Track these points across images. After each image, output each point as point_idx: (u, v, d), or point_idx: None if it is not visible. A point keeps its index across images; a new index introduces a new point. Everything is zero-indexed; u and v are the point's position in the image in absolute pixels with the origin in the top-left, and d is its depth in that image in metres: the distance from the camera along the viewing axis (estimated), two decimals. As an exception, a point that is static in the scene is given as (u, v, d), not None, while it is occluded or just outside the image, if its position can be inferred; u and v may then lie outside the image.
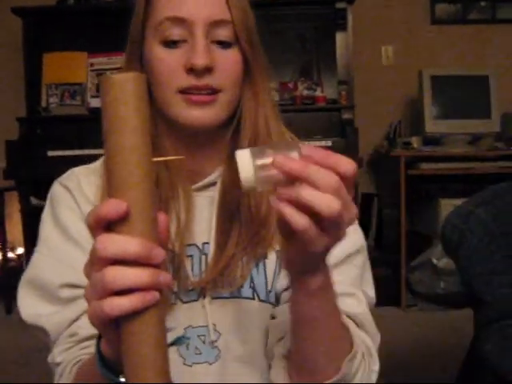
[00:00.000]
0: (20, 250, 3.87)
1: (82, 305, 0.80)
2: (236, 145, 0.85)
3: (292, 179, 0.54)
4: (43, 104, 3.53)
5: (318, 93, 3.52)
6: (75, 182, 0.89)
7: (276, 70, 3.44)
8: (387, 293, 3.36)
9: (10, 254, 3.82)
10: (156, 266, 0.52)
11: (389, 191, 3.69)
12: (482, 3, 4.05)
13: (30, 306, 0.86)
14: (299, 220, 0.54)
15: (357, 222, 0.88)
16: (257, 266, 0.85)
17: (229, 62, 0.82)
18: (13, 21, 3.60)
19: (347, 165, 0.56)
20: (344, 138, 3.29)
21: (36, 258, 0.88)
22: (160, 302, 0.53)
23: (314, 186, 0.54)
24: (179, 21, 0.79)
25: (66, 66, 3.55)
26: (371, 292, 0.89)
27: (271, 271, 0.86)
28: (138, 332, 0.53)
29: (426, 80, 3.56)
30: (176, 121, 0.82)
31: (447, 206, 3.20)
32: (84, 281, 0.78)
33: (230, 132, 0.87)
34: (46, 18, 3.60)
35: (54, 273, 0.84)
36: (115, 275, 0.51)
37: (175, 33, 0.80)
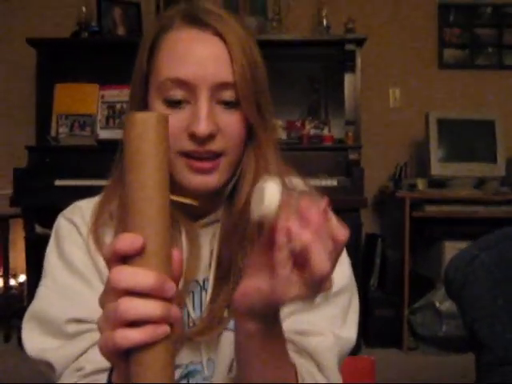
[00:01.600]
0: (22, 278, 3.86)
1: (88, 339, 0.80)
2: (232, 202, 0.85)
3: (304, 224, 0.55)
4: (53, 133, 3.57)
5: (326, 132, 3.55)
6: (80, 215, 0.89)
7: (284, 109, 3.47)
8: (389, 334, 3.33)
9: (12, 282, 3.81)
10: (168, 300, 0.53)
11: (393, 232, 3.68)
12: (490, 49, 4.10)
13: (35, 340, 0.85)
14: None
15: (346, 261, 0.89)
16: None
17: (232, 124, 0.80)
18: (27, 51, 3.67)
19: (344, 234, 0.57)
20: (349, 178, 3.30)
21: (41, 291, 0.87)
22: (170, 335, 0.54)
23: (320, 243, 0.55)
24: (182, 83, 0.78)
25: (77, 97, 3.60)
26: (350, 333, 0.85)
27: None
28: (147, 364, 0.53)
29: (432, 123, 3.59)
30: (179, 184, 0.81)
31: (451, 248, 3.19)
32: (89, 315, 0.80)
33: (228, 189, 0.86)
34: (59, 49, 3.67)
35: (60, 308, 0.83)
36: (128, 306, 0.52)
37: (178, 93, 0.79)
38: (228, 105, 0.80)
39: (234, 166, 0.84)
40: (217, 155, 0.80)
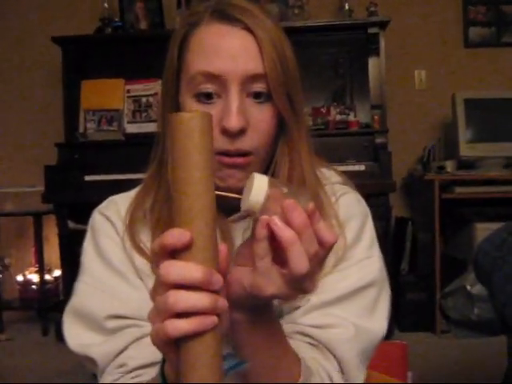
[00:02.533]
0: (57, 273, 3.94)
1: (128, 335, 0.82)
2: None
3: (286, 223, 0.58)
4: (81, 130, 3.61)
5: (351, 117, 3.53)
6: (115, 210, 0.90)
7: (309, 95, 3.46)
8: (422, 318, 3.32)
9: (47, 277, 3.89)
10: (215, 292, 0.56)
11: (423, 215, 3.66)
12: (517, 26, 4.03)
13: (76, 336, 0.86)
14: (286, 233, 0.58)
15: (376, 254, 0.89)
16: None
17: (263, 120, 0.80)
18: (53, 49, 3.72)
19: (330, 237, 0.59)
20: (377, 163, 3.28)
21: (80, 287, 0.88)
22: (218, 326, 0.56)
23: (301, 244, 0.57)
24: (213, 76, 0.78)
25: (103, 93, 3.64)
26: (377, 325, 0.84)
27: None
28: (196, 353, 0.56)
29: (459, 103, 3.54)
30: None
31: (482, 230, 3.15)
32: (128, 311, 0.82)
33: None
34: (84, 46, 3.71)
35: (99, 304, 0.85)
36: (177, 298, 0.54)
37: (208, 87, 0.79)
38: (259, 97, 0.80)
39: (264, 163, 0.84)
40: (246, 153, 0.80)
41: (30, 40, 4.14)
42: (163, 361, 0.64)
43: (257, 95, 0.80)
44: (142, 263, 0.86)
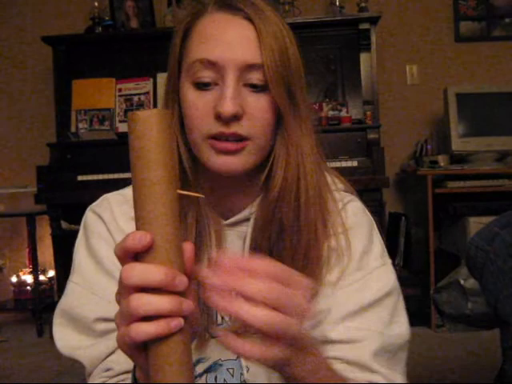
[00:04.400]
0: (51, 273, 3.93)
1: None
2: (268, 188, 0.83)
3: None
4: (73, 129, 3.61)
5: (344, 113, 3.54)
6: (108, 211, 0.89)
7: (301, 92, 3.45)
8: (416, 313, 3.33)
9: (41, 277, 3.88)
10: (182, 294, 0.55)
11: (416, 210, 3.67)
12: (507, 20, 4.03)
13: (65, 337, 0.86)
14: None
15: (389, 262, 0.89)
16: None
17: (259, 108, 0.79)
18: (43, 49, 3.71)
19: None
20: (370, 158, 3.29)
21: (70, 288, 0.88)
22: (185, 328, 0.55)
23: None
24: (210, 64, 0.78)
25: (94, 92, 3.63)
26: (398, 329, 0.85)
27: None
28: (164, 355, 0.55)
29: (451, 98, 3.55)
30: (206, 165, 0.81)
31: (476, 224, 3.16)
32: None
33: (263, 175, 0.84)
34: (75, 45, 3.70)
35: (89, 306, 0.85)
36: (138, 302, 0.53)
37: (206, 75, 0.79)
38: (256, 88, 0.79)
39: (261, 152, 0.82)
40: (242, 139, 0.79)
41: (21, 40, 4.12)
42: (134, 367, 0.64)
43: (253, 85, 0.79)
44: None
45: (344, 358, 0.79)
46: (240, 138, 0.79)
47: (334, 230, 0.85)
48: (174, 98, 0.84)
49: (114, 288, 0.82)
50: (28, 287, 3.92)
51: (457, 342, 3.07)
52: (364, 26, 3.55)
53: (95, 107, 3.62)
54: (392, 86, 3.98)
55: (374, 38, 3.58)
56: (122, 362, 0.80)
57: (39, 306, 3.67)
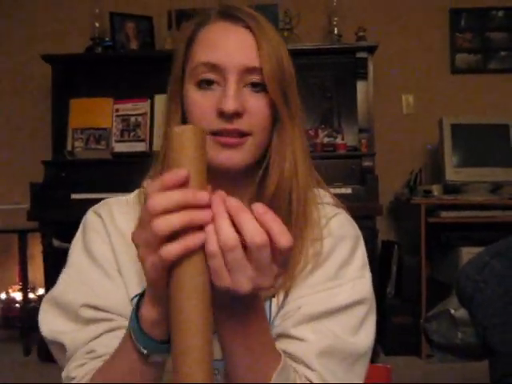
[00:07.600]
0: (41, 291, 3.90)
1: (103, 326, 0.84)
2: (263, 186, 0.89)
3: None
4: (69, 148, 3.61)
5: (339, 140, 3.55)
6: (108, 211, 0.95)
7: (297, 117, 3.46)
8: (407, 342, 3.31)
9: (31, 295, 3.85)
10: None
11: (409, 239, 3.67)
12: (502, 53, 4.09)
13: (50, 322, 0.88)
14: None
15: (367, 276, 0.91)
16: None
17: (259, 106, 0.85)
18: (43, 67, 3.72)
19: (286, 240, 0.60)
20: (364, 186, 3.29)
21: (62, 278, 0.91)
22: (203, 255, 0.59)
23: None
24: (213, 66, 0.84)
25: (92, 112, 3.64)
26: (359, 340, 0.85)
27: (273, 313, 0.87)
28: (185, 274, 0.59)
29: (446, 128, 3.57)
30: (208, 161, 0.84)
31: (468, 254, 3.16)
32: (106, 305, 0.85)
33: (259, 173, 0.90)
34: (74, 64, 3.72)
35: (78, 293, 0.87)
36: (161, 222, 0.57)
37: (209, 76, 0.85)
38: (255, 87, 0.85)
39: (260, 149, 0.88)
40: (244, 134, 0.85)
41: (20, 58, 4.14)
42: (137, 307, 0.67)
43: (253, 85, 0.85)
44: (128, 266, 0.89)
45: (288, 351, 0.81)
46: (241, 134, 0.85)
47: (318, 233, 0.90)
48: (177, 100, 0.90)
49: (106, 281, 0.88)
50: (17, 304, 3.88)
51: (447, 372, 3.05)
52: (361, 54, 3.58)
53: (92, 126, 3.63)
54: (388, 115, 4.01)
55: (371, 67, 3.61)
56: (106, 345, 0.81)
57: (27, 324, 3.63)
